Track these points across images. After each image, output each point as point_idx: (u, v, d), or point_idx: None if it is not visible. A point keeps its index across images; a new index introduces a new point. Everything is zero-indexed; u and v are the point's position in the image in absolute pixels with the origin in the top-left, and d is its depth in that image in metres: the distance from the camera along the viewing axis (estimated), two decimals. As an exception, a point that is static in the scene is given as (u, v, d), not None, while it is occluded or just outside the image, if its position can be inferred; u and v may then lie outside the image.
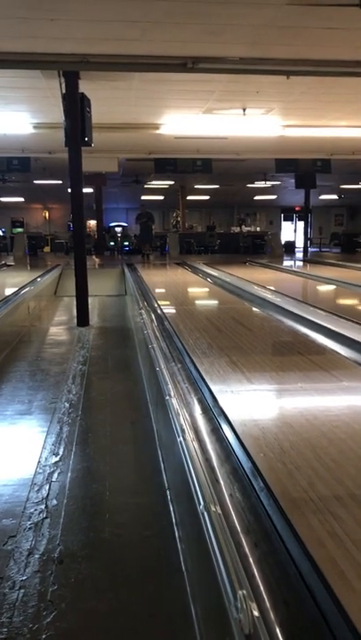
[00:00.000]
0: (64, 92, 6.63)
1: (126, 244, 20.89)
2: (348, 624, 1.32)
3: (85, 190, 7.60)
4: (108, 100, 7.90)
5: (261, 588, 1.48)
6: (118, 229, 22.12)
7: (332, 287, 9.54)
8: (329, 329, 4.93)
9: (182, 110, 8.58)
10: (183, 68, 6.17)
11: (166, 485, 2.87)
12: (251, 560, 1.61)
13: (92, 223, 21.32)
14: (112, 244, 20.85)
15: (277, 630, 1.33)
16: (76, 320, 7.58)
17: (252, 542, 1.72)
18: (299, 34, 5.36)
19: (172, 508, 2.65)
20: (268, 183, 19.86)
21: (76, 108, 6.64)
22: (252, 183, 20.45)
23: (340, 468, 2.14)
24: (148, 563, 2.29)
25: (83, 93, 6.65)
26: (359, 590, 1.43)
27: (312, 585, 1.49)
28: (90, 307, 7.82)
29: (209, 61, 6.10)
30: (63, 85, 6.58)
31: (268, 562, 1.63)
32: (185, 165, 12.43)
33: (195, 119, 9.02)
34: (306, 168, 13.08)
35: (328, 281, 10.09)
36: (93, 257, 17.33)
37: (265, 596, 1.45)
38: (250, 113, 8.48)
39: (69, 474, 3.04)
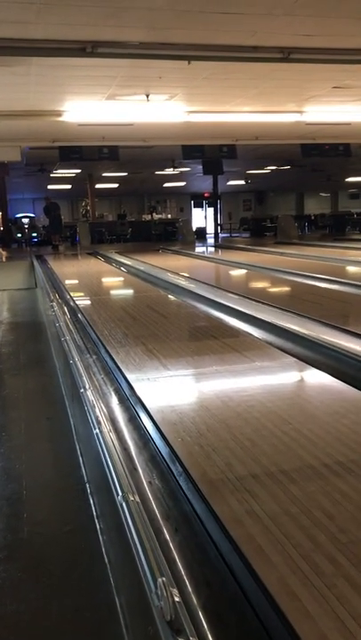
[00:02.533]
0: None
1: (35, 235, 20.33)
2: (267, 597, 1.35)
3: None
4: (6, 87, 7.58)
5: (183, 573, 1.48)
6: (25, 220, 21.45)
7: (243, 271, 9.75)
8: (241, 312, 5.04)
9: (84, 97, 8.38)
10: (82, 53, 6.01)
11: (86, 479, 2.83)
12: (171, 546, 1.62)
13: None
14: (19, 235, 20.21)
15: (199, 612, 1.34)
16: (-16, 316, 7.31)
17: (172, 528, 1.72)
18: (197, 18, 5.35)
19: (92, 501, 2.61)
20: (177, 170, 19.91)
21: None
22: (161, 170, 20.44)
23: (255, 446, 2.18)
24: (70, 558, 2.24)
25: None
26: (276, 562, 1.46)
27: (232, 563, 1.51)
28: (-1, 302, 7.55)
29: (109, 46, 5.97)
30: None
31: (188, 545, 1.64)
32: (91, 153, 12.19)
33: (98, 106, 8.84)
34: (212, 154, 13.21)
35: (239, 265, 10.31)
36: (0, 250, 16.73)
37: (186, 580, 1.45)
38: (153, 99, 8.42)
39: (-16, 476, 2.93)
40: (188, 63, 6.48)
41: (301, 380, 3.29)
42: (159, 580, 1.35)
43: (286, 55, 6.37)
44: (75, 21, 5.31)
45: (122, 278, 9.46)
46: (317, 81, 8.02)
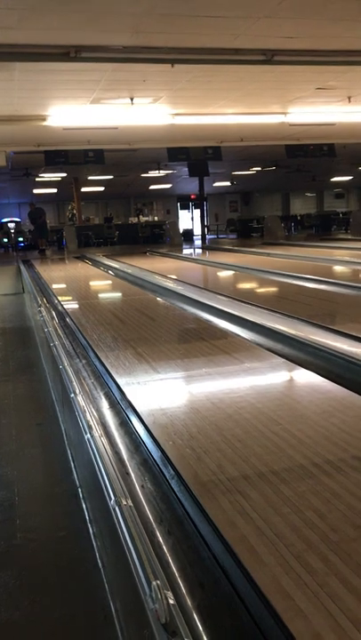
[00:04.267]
0: None
1: (21, 239, 20.24)
2: (260, 596, 1.36)
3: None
4: (-10, 92, 7.57)
5: (177, 575, 1.49)
6: (11, 225, 21.35)
7: (230, 273, 9.78)
8: (230, 313, 5.06)
9: (69, 101, 8.38)
10: (66, 58, 6.02)
11: (78, 484, 2.83)
12: (165, 548, 1.62)
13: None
14: (5, 240, 20.11)
15: (194, 614, 1.35)
16: (-29, 323, 7.27)
17: (165, 530, 1.73)
18: (179, 22, 5.38)
19: (84, 506, 2.61)
20: (162, 172, 19.94)
21: None
22: (147, 173, 20.45)
23: (246, 447, 2.20)
24: (64, 564, 2.24)
25: None
26: (269, 563, 1.47)
27: (226, 564, 1.52)
28: (-14, 308, 7.52)
29: (92, 50, 5.99)
30: None
31: (182, 548, 1.65)
32: (76, 157, 12.18)
33: (83, 110, 8.85)
34: (197, 156, 13.25)
35: (227, 267, 10.34)
36: (-14, 255, 16.66)
37: (180, 583, 1.46)
38: (138, 102, 8.45)
39: (-25, 483, 2.92)
40: (172, 66, 6.51)
41: (290, 381, 3.32)
42: (153, 583, 1.36)
43: (269, 57, 6.42)
44: (58, 26, 5.32)
45: (110, 282, 9.46)
46: (301, 82, 8.08)
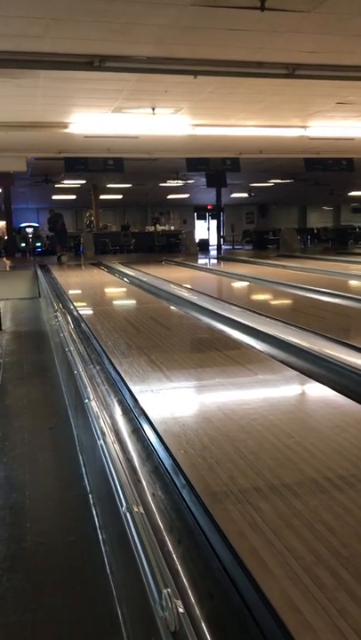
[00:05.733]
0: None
1: (38, 245, 20.40)
2: (269, 609, 1.36)
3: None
4: (13, 99, 7.67)
5: (186, 584, 1.50)
6: (29, 230, 21.54)
7: (245, 284, 9.79)
8: (243, 324, 5.06)
9: (91, 109, 8.48)
10: (90, 67, 6.10)
11: (88, 489, 2.84)
12: (175, 557, 1.63)
13: (1, 224, 20.66)
14: (23, 245, 20.28)
15: (203, 624, 1.35)
16: (-13, 325, 7.33)
17: (175, 539, 1.74)
18: (203, 34, 5.44)
19: (94, 512, 2.62)
20: (181, 182, 20.05)
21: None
22: (165, 182, 20.57)
23: (258, 459, 2.20)
24: (72, 568, 2.25)
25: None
26: (279, 576, 1.48)
27: (235, 576, 1.52)
28: (1, 311, 7.58)
29: (116, 60, 6.06)
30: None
31: (191, 557, 1.65)
32: (96, 165, 12.29)
33: (104, 118, 8.94)
34: (216, 167, 13.31)
35: (242, 277, 10.35)
36: (4, 259, 16.80)
37: (190, 592, 1.46)
38: (159, 112, 8.52)
39: (-14, 485, 2.94)
40: (195, 78, 6.56)
41: (303, 394, 3.31)
42: (164, 591, 1.36)
43: (291, 71, 6.45)
44: (83, 36, 5.40)
45: (125, 289, 9.50)
46: (321, 97, 8.11)
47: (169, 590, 1.37)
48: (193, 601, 1.43)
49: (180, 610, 1.33)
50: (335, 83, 6.96)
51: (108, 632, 1.89)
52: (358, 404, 2.85)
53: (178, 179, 19.08)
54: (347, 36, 5.53)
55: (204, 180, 16.95)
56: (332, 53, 6.08)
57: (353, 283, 9.17)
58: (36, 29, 5.19)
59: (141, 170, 16.64)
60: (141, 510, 1.82)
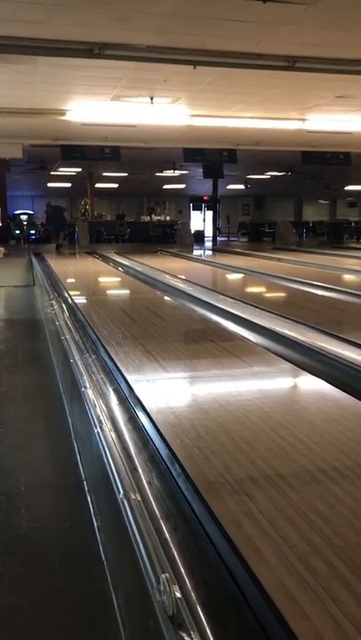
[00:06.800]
0: None
1: (33, 232, 20.31)
2: (264, 596, 1.39)
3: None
4: (11, 84, 7.61)
5: (182, 571, 1.52)
6: (24, 217, 21.43)
7: (240, 276, 9.80)
8: (238, 316, 5.08)
9: (89, 97, 8.42)
10: (90, 54, 6.05)
11: (83, 477, 2.86)
12: (171, 544, 1.65)
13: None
14: (18, 232, 20.18)
15: (199, 609, 1.38)
16: (-19, 312, 7.32)
17: (171, 527, 1.76)
18: (204, 24, 5.41)
19: (89, 499, 2.64)
20: (177, 172, 19.98)
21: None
22: (161, 172, 20.49)
23: (253, 450, 2.22)
24: (67, 554, 2.28)
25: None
26: (274, 565, 1.50)
27: (231, 564, 1.54)
28: (-3, 298, 7.57)
29: (116, 48, 6.01)
30: None
31: (187, 545, 1.68)
32: (93, 153, 12.23)
33: (102, 106, 8.88)
34: (213, 158, 13.27)
35: (237, 270, 10.36)
36: (-1, 246, 16.73)
37: (186, 578, 1.49)
38: (158, 102, 8.47)
39: (-18, 471, 2.96)
40: (194, 68, 6.53)
41: (299, 387, 3.34)
42: (163, 576, 1.39)
43: (291, 64, 6.43)
44: (84, 23, 5.36)
45: (120, 279, 9.49)
46: (321, 90, 8.09)
47: (167, 575, 1.40)
48: (189, 587, 1.45)
49: (178, 595, 1.35)
50: (335, 76, 6.95)
51: (103, 616, 1.92)
52: (353, 398, 2.88)
53: (174, 169, 19.01)
54: (349, 29, 5.52)
55: (201, 170, 16.91)
56: (333, 47, 6.07)
57: (348, 277, 9.21)
58: (37, 15, 5.14)
59: (138, 159, 16.56)
60: (138, 498, 1.84)
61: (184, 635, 1.26)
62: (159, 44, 5.94)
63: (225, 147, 13.04)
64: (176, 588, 1.37)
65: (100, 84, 7.69)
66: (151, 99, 8.33)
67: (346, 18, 5.22)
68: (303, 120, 10.01)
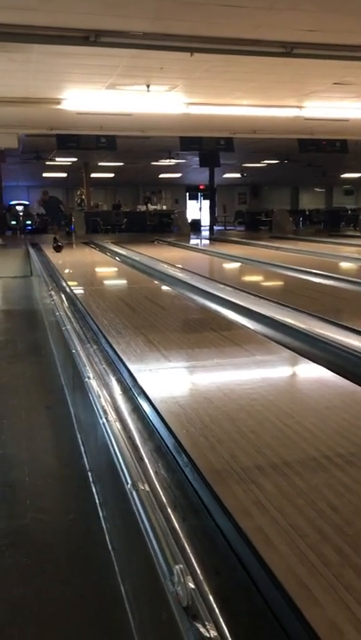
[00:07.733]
0: None
1: (29, 223, 20.21)
2: (275, 584, 1.39)
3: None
4: (4, 73, 7.52)
5: (193, 561, 1.52)
6: (20, 208, 21.31)
7: (238, 264, 9.79)
8: (238, 304, 5.07)
9: (85, 85, 8.34)
10: (85, 42, 5.98)
11: (87, 467, 2.86)
12: (180, 534, 1.65)
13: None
14: (14, 223, 20.08)
15: (211, 599, 1.37)
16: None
17: (180, 517, 1.75)
18: (200, 10, 5.34)
19: (94, 490, 2.64)
20: (173, 161, 19.87)
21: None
22: (157, 161, 20.38)
23: (259, 438, 2.22)
24: (74, 545, 2.27)
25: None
26: (285, 553, 1.50)
27: (241, 553, 1.54)
28: (-6, 289, 7.54)
29: (112, 35, 5.94)
30: None
31: (197, 534, 1.67)
32: (88, 142, 12.13)
33: (98, 95, 8.80)
34: (210, 146, 13.19)
35: (234, 258, 10.34)
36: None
37: (197, 568, 1.48)
38: (154, 89, 8.39)
39: (-15, 463, 2.95)
40: (191, 55, 6.46)
41: (301, 374, 3.34)
42: (176, 567, 1.38)
43: (289, 50, 6.37)
44: (79, 9, 5.29)
45: (118, 269, 9.46)
46: (318, 77, 8.03)
47: (181, 566, 1.39)
48: (201, 577, 1.45)
49: (191, 585, 1.35)
50: (333, 62, 6.89)
51: (112, 607, 1.92)
52: (356, 385, 2.88)
53: (170, 158, 18.90)
54: (347, 15, 5.46)
55: (197, 159, 16.82)
56: (331, 32, 6.01)
57: (345, 264, 9.20)
58: (31, 1, 5.07)
59: (134, 148, 16.46)
60: (147, 487, 1.83)
61: (199, 625, 1.26)
62: (155, 30, 5.87)
63: (222, 135, 12.96)
64: (190, 578, 1.37)
65: (95, 72, 7.61)
66: (147, 87, 8.25)
67: (344, 3, 5.16)
68: (300, 107, 9.95)
